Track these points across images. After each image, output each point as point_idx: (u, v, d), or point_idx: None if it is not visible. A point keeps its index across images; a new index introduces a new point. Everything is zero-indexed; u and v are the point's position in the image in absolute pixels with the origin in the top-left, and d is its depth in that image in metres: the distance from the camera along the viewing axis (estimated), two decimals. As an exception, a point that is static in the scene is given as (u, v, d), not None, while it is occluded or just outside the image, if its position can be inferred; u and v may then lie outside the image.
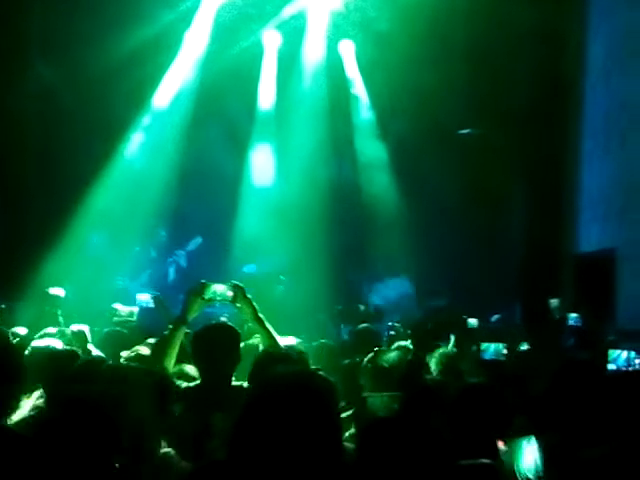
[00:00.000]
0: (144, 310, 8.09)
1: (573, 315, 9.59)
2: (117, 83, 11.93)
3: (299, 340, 5.65)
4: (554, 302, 10.26)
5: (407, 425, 2.65)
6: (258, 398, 2.35)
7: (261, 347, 4.90)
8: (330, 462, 2.28)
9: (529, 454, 3.22)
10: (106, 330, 6.74)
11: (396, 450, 2.54)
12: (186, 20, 12.87)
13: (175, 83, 13.01)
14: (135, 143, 12.85)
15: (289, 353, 4.27)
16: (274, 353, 4.27)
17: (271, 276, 12.33)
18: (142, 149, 12.83)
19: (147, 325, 7.33)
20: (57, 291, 7.98)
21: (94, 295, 11.41)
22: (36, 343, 5.13)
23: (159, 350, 4.76)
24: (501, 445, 3.19)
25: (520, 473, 3.18)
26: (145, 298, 8.36)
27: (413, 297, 13.24)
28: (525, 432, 3.50)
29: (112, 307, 8.44)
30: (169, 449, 3.55)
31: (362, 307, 12.49)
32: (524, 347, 7.44)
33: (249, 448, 2.27)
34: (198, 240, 12.68)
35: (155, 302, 7.76)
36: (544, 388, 3.98)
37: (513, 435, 3.26)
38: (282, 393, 2.31)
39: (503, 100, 12.89)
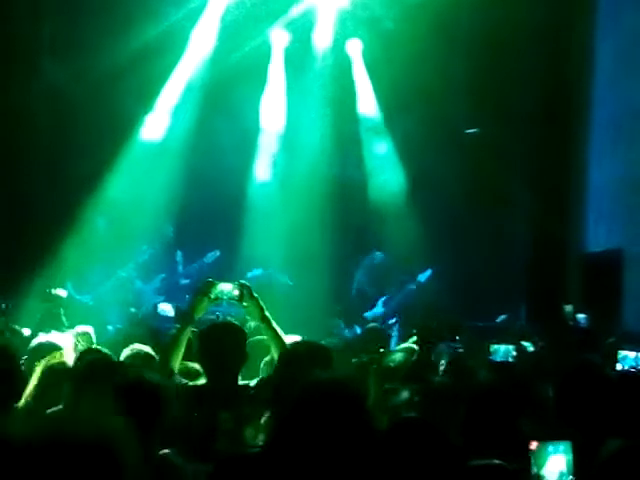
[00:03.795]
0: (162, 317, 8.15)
1: (581, 316, 9.56)
2: (125, 82, 11.91)
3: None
4: (568, 308, 10.22)
5: (430, 426, 2.69)
6: (300, 406, 2.48)
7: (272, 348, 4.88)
8: (363, 459, 2.41)
9: (556, 460, 3.18)
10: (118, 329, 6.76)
11: (421, 451, 2.60)
12: (193, 19, 12.84)
13: (182, 82, 12.99)
14: (142, 141, 12.82)
15: (317, 351, 4.27)
16: (302, 351, 4.27)
17: (277, 279, 12.30)
18: (149, 147, 12.80)
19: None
20: (59, 291, 7.99)
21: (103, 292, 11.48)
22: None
23: (166, 349, 4.76)
24: (533, 445, 3.16)
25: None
26: (167, 308, 8.40)
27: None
28: (533, 435, 3.47)
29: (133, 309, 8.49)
30: (167, 450, 3.53)
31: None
32: (530, 347, 7.43)
33: (288, 447, 2.41)
34: (216, 253, 12.70)
35: (176, 312, 7.83)
36: (555, 390, 3.96)
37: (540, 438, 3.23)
38: (323, 402, 2.45)
39: (510, 99, 12.85)
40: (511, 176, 13.01)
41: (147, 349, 5.20)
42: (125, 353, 5.16)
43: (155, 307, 9.36)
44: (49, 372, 4.42)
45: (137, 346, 5.21)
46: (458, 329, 9.09)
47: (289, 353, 4.34)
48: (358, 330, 11.46)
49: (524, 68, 12.93)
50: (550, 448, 3.23)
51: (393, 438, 2.65)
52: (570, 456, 3.20)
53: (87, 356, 4.49)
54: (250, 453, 2.98)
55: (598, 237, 12.42)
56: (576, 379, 3.82)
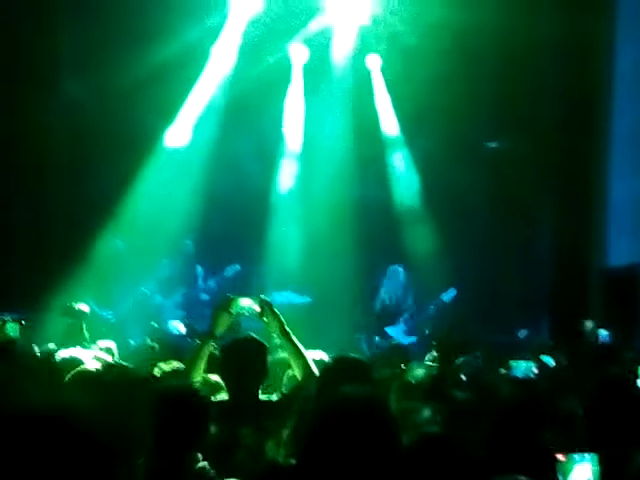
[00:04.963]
0: (175, 336, 8.16)
1: (602, 331, 9.48)
2: (144, 98, 11.97)
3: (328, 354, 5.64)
4: (588, 324, 10.16)
5: (454, 442, 2.70)
6: (327, 420, 2.52)
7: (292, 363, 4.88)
8: (390, 475, 2.43)
9: (581, 469, 3.17)
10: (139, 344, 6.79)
11: (446, 467, 2.60)
12: (213, 35, 12.91)
13: (202, 97, 13.06)
14: (163, 156, 12.88)
15: (358, 366, 4.30)
16: (343, 364, 4.30)
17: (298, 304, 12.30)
18: (170, 162, 12.85)
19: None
20: (81, 306, 8.02)
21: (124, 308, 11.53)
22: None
23: (187, 365, 4.79)
24: (560, 456, 3.15)
25: None
26: (177, 325, 8.41)
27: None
28: (558, 449, 3.46)
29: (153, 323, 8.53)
30: (205, 462, 3.56)
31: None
32: (551, 362, 7.40)
33: (317, 461, 2.43)
34: (236, 267, 12.73)
35: (188, 329, 7.85)
36: (581, 406, 3.94)
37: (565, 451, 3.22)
38: (348, 419, 2.48)
39: (530, 113, 12.85)
40: (532, 191, 12.99)
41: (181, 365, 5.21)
42: (161, 368, 5.17)
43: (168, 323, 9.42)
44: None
45: (174, 363, 5.22)
46: (478, 344, 9.07)
47: (332, 368, 4.35)
48: (379, 342, 11.47)
49: (545, 81, 12.92)
50: (576, 457, 3.22)
51: (417, 454, 2.66)
52: (596, 466, 3.20)
53: (113, 370, 4.52)
54: (283, 468, 3.00)
55: (620, 251, 12.36)
56: (607, 393, 3.80)
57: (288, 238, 12.70)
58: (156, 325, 8.81)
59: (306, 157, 13.34)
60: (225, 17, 12.92)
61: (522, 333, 11.69)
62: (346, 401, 2.51)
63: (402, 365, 5.98)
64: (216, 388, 4.80)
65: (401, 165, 13.55)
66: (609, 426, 3.71)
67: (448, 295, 12.61)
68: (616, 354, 7.90)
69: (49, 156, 12.11)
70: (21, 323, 6.78)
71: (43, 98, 12.03)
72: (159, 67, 11.87)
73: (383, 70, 13.32)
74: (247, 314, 4.87)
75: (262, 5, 12.74)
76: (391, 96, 13.40)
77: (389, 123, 13.57)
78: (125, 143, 12.16)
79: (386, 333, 12.18)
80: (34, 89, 11.95)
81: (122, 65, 11.84)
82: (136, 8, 12.09)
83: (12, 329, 6.58)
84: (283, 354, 5.28)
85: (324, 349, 5.88)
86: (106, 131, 12.25)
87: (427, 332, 11.51)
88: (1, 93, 11.93)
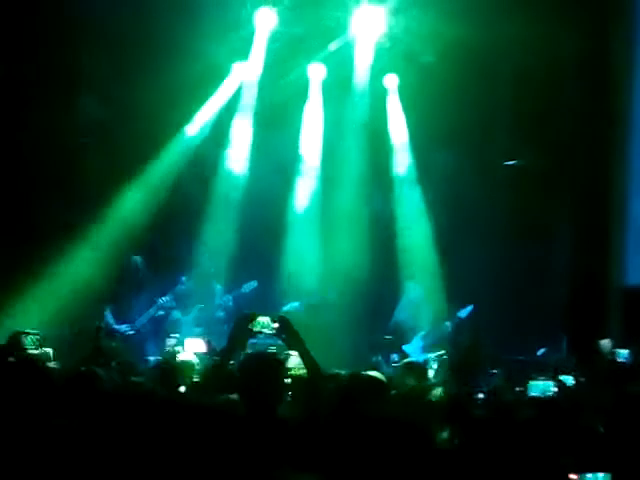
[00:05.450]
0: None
1: (622, 351, 9.42)
2: (166, 116, 12.05)
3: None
4: (605, 342, 10.09)
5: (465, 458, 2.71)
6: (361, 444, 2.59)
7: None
8: None
9: None
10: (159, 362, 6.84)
11: None
12: (235, 52, 12.96)
13: (223, 112, 13.13)
14: (181, 174, 12.93)
15: (373, 381, 4.31)
16: (359, 381, 4.31)
17: (315, 310, 12.29)
18: (188, 180, 12.90)
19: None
20: (100, 322, 8.08)
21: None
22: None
23: (206, 383, 4.80)
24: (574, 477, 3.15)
25: None
26: (195, 344, 8.40)
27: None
28: (574, 470, 3.45)
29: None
30: None
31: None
32: (570, 381, 7.36)
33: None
34: (253, 284, 12.74)
35: (207, 347, 7.89)
36: (599, 425, 3.93)
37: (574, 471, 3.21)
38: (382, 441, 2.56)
39: (548, 130, 12.84)
40: (550, 208, 12.97)
41: None
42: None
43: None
44: None
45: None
46: (496, 362, 9.05)
47: (348, 386, 4.36)
48: (396, 359, 11.43)
49: (562, 99, 12.91)
50: (589, 477, 3.21)
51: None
52: None
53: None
54: None
55: (638, 269, 12.30)
56: (626, 411, 3.79)
57: (305, 255, 12.74)
58: (174, 341, 8.85)
59: (323, 175, 13.36)
60: (248, 35, 12.98)
61: (540, 352, 11.63)
62: (384, 423, 2.50)
63: (418, 382, 5.97)
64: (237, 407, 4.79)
65: (417, 183, 13.52)
66: (628, 443, 3.69)
67: (465, 311, 12.57)
68: (635, 373, 7.86)
69: (70, 177, 12.17)
70: (41, 339, 6.83)
71: (65, 119, 12.11)
72: (179, 86, 11.93)
73: (400, 89, 13.33)
74: (267, 332, 4.86)
75: (282, 23, 12.80)
76: (407, 115, 13.40)
77: (405, 142, 13.56)
78: (145, 159, 12.24)
79: (403, 351, 12.15)
80: (55, 110, 12.03)
81: (143, 84, 11.88)
82: (156, 27, 12.15)
83: (30, 344, 6.63)
84: (301, 371, 5.28)
85: (341, 366, 5.88)
86: (126, 151, 12.29)
87: (442, 349, 11.46)
88: (26, 108, 12.03)
